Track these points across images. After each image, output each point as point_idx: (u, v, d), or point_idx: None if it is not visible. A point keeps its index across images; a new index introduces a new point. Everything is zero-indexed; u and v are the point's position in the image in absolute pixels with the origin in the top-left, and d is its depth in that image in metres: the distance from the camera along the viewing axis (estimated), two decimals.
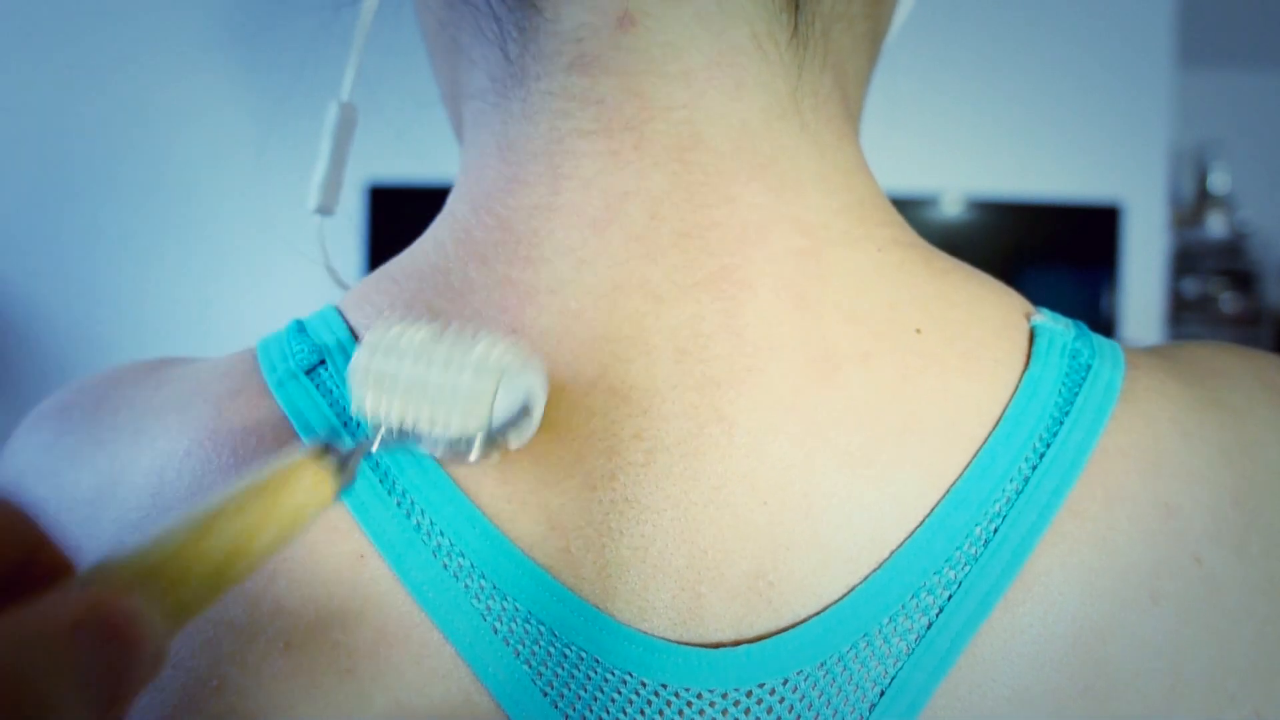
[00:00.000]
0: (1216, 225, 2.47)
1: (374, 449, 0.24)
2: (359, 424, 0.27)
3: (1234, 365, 0.29)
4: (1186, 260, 2.42)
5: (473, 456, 0.24)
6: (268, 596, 0.25)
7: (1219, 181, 2.48)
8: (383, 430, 0.24)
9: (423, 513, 0.25)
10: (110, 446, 0.28)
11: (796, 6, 0.27)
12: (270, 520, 0.19)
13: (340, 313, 0.30)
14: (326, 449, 0.22)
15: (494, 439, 0.24)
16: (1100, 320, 1.64)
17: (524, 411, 0.24)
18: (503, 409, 0.24)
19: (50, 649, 0.14)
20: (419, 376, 0.24)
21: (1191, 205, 2.51)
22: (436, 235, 0.30)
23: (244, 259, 1.51)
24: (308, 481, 0.20)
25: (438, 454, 0.24)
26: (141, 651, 0.15)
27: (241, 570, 0.19)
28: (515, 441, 0.25)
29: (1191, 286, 2.42)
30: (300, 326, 0.30)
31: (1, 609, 0.14)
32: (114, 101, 1.53)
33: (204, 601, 0.18)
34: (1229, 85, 2.54)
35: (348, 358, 0.28)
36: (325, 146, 0.37)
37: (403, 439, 0.24)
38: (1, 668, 0.13)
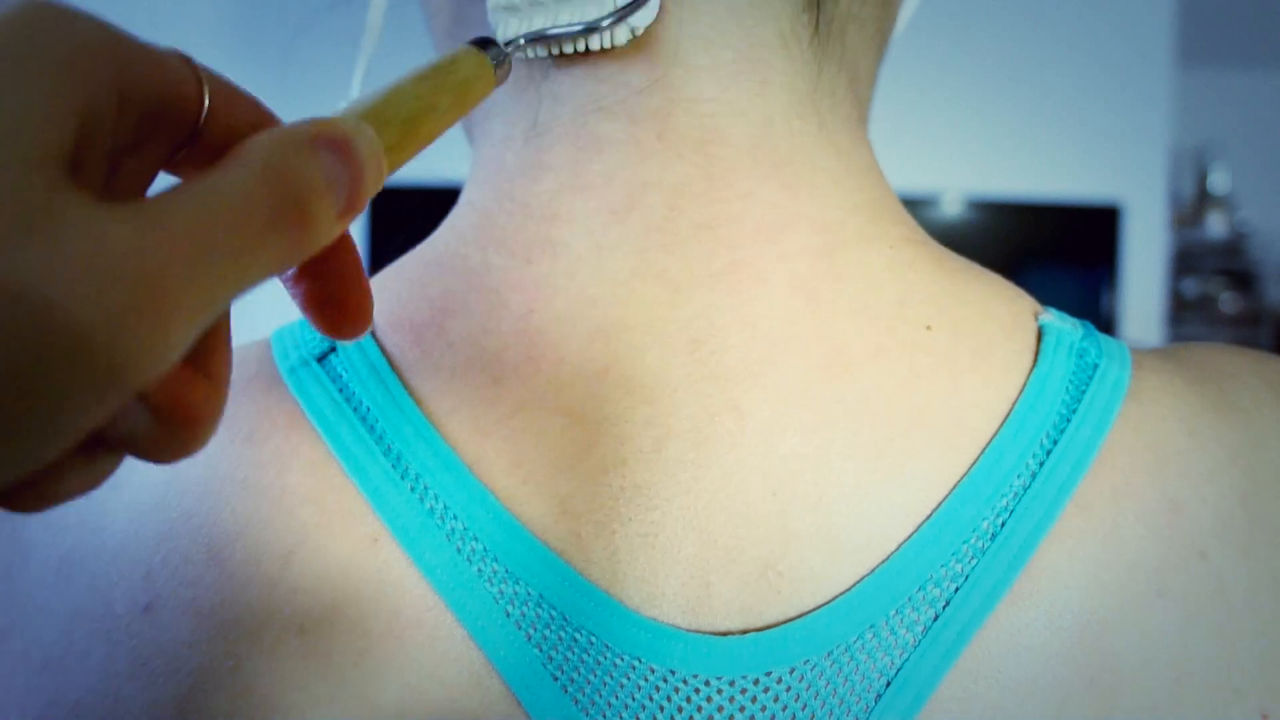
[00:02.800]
0: (1216, 225, 2.47)
1: (523, 45, 0.26)
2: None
3: (1241, 367, 0.29)
4: (1186, 260, 2.42)
5: (604, 43, 0.26)
6: (283, 580, 0.25)
7: (1219, 181, 2.49)
8: (525, 32, 0.26)
9: (436, 497, 0.26)
10: None
11: (818, 5, 0.28)
12: (448, 88, 0.23)
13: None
14: (486, 44, 0.25)
15: (623, 16, 0.26)
16: (1100, 320, 1.65)
17: None
18: None
19: (306, 149, 0.17)
20: None
21: (1191, 205, 2.51)
22: (454, 224, 0.30)
23: None
24: (473, 66, 0.24)
25: (576, 42, 0.26)
26: (366, 165, 0.18)
27: (430, 127, 0.22)
28: (643, 20, 0.26)
29: (1191, 286, 2.43)
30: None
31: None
32: None
33: (406, 146, 0.21)
34: (1229, 85, 2.55)
35: (358, 345, 0.28)
36: None
37: (543, 35, 0.26)
38: (274, 162, 0.16)
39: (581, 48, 0.27)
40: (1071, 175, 1.65)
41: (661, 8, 0.27)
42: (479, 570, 0.25)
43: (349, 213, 0.18)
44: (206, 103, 0.19)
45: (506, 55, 0.25)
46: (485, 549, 0.25)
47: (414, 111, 0.21)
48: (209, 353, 0.19)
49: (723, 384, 0.26)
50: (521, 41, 0.26)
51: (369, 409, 0.27)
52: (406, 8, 0.35)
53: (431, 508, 0.26)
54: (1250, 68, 2.54)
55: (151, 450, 0.17)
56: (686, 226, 0.27)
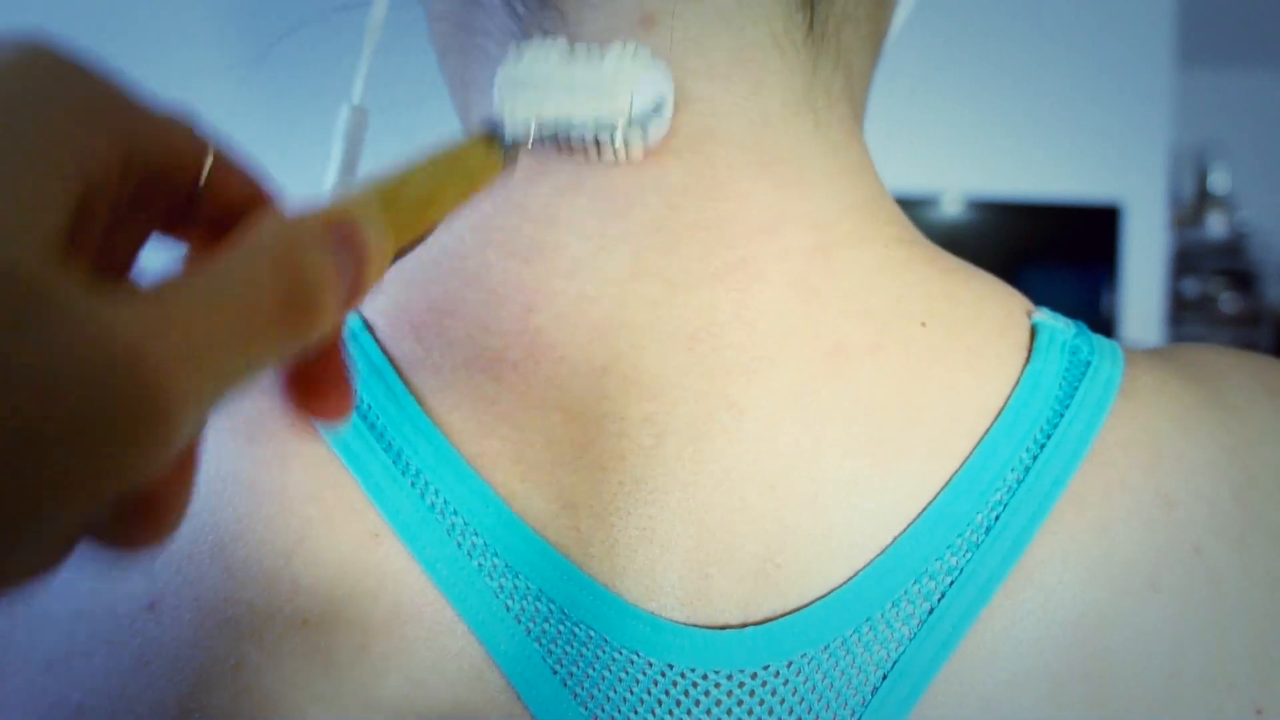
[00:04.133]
0: (1216, 225, 2.47)
1: (529, 142, 0.27)
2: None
3: (1234, 367, 0.29)
4: (1186, 260, 2.42)
5: (616, 143, 0.26)
6: (285, 576, 0.25)
7: (1219, 181, 2.48)
8: (535, 126, 0.27)
9: (436, 492, 0.26)
10: None
11: (811, 6, 0.28)
12: (457, 179, 0.23)
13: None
14: (495, 135, 0.25)
15: (634, 127, 0.26)
16: (1100, 320, 1.65)
17: (658, 106, 0.26)
18: (641, 99, 0.26)
19: (319, 239, 0.17)
20: (563, 77, 0.27)
21: (1191, 205, 2.51)
22: (452, 225, 0.30)
23: None
24: (480, 157, 0.24)
25: (586, 143, 0.27)
26: (372, 256, 0.18)
27: (435, 215, 0.22)
28: (654, 133, 0.27)
29: (1191, 286, 2.43)
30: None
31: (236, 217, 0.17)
32: None
33: (410, 233, 0.21)
34: (1229, 85, 2.55)
35: (359, 345, 0.28)
36: (337, 150, 0.37)
37: (554, 132, 0.27)
38: (287, 251, 0.16)
39: (594, 151, 0.27)
40: (1071, 175, 1.65)
41: (651, 20, 0.27)
42: (479, 565, 0.25)
43: (352, 301, 0.18)
44: (206, 170, 0.18)
45: (516, 150, 0.25)
46: (485, 544, 0.25)
47: (421, 200, 0.21)
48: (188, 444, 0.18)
49: (721, 381, 0.26)
50: (532, 137, 0.26)
51: (370, 406, 0.27)
52: (408, 9, 0.36)
53: (432, 503, 0.26)
54: (1250, 68, 2.54)
55: (119, 541, 0.16)
56: (685, 226, 0.27)
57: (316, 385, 0.21)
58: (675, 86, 0.27)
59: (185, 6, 1.52)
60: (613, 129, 0.26)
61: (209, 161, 0.18)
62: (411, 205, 0.21)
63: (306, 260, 0.16)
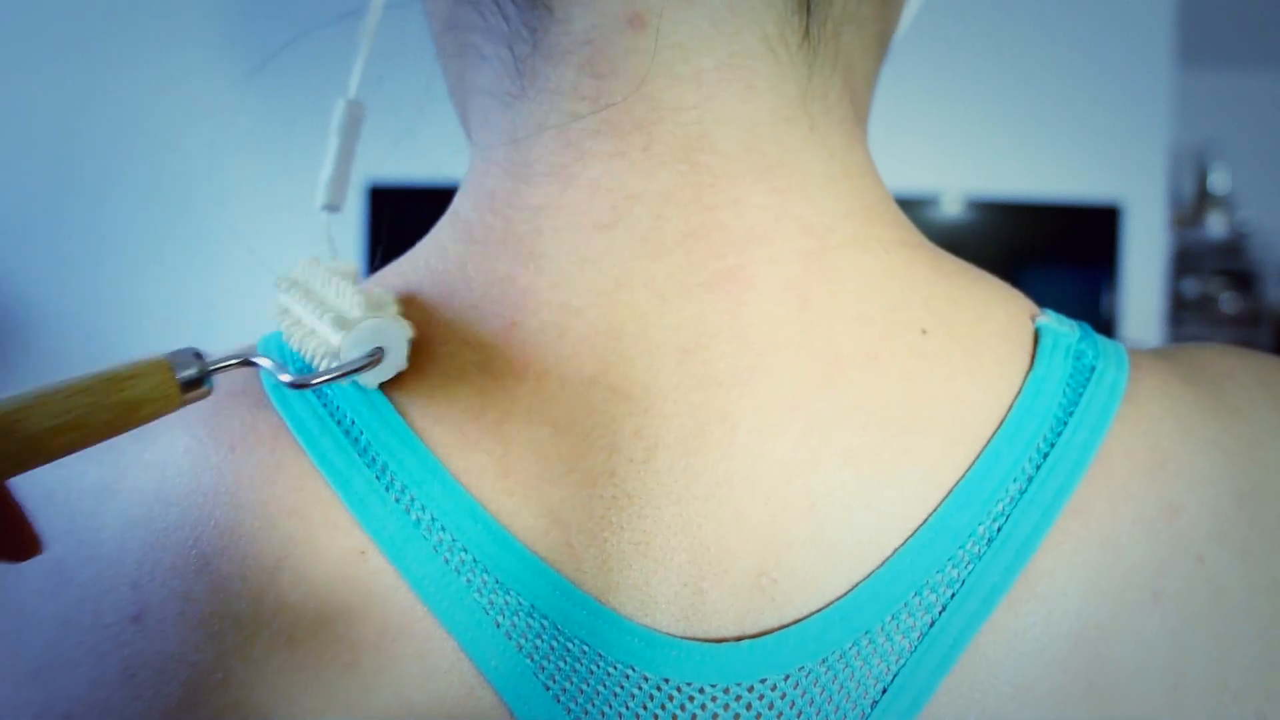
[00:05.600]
0: (1216, 225, 2.47)
1: (233, 366, 0.25)
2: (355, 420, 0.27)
3: (1238, 368, 0.29)
4: (1186, 260, 2.42)
5: (318, 381, 0.26)
6: (271, 592, 0.25)
7: (1219, 181, 2.48)
8: (263, 358, 0.26)
9: (423, 508, 0.25)
10: (115, 441, 0.28)
11: (808, 9, 0.27)
12: (107, 407, 0.21)
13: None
14: (194, 357, 0.23)
15: (348, 377, 0.26)
16: (1100, 320, 1.65)
17: (373, 357, 0.26)
18: (350, 353, 0.26)
19: None
20: (299, 314, 0.27)
21: (1191, 205, 2.51)
22: (439, 236, 0.30)
23: (245, 259, 1.51)
24: (153, 384, 0.22)
25: (276, 376, 0.26)
26: None
27: (66, 443, 0.20)
28: (372, 380, 0.27)
29: (1191, 286, 2.43)
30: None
31: None
32: (116, 100, 1.53)
33: (28, 459, 0.19)
34: (1229, 85, 2.55)
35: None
36: (332, 144, 0.37)
37: (252, 359, 0.26)
38: None
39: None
40: (1071, 175, 1.65)
41: (640, 20, 0.26)
42: (468, 581, 0.25)
43: None
44: None
45: (206, 375, 0.23)
46: (474, 560, 0.25)
47: (48, 428, 0.20)
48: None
49: (712, 392, 0.26)
50: (232, 361, 0.25)
51: (353, 421, 0.27)
52: (409, 8, 0.35)
53: (418, 519, 0.25)
54: (1250, 68, 2.54)
55: None
56: (673, 235, 0.26)
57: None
58: (661, 95, 0.27)
59: (184, 6, 1.52)
60: (332, 362, 0.26)
61: None
62: (34, 433, 0.19)
63: None
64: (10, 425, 0.19)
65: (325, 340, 0.26)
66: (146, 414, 0.22)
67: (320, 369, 0.26)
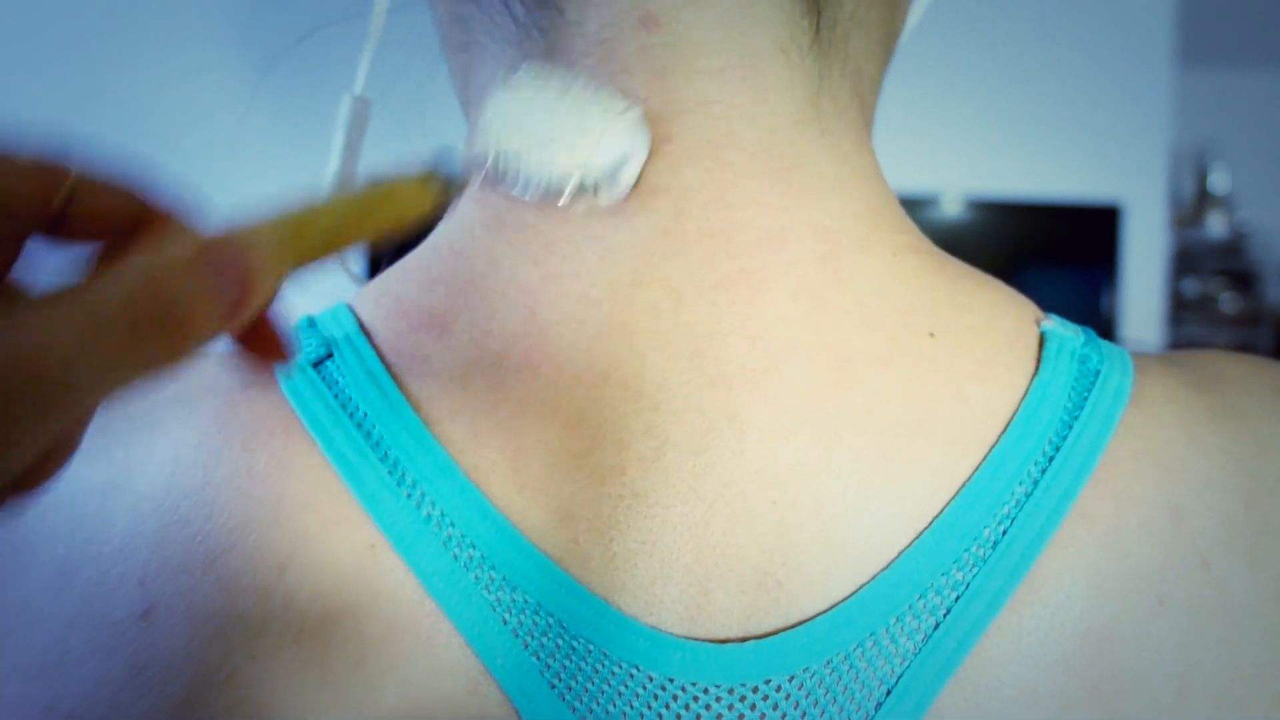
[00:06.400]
0: (1216, 225, 2.47)
1: (477, 182, 0.26)
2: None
3: (1244, 373, 0.29)
4: (1186, 260, 2.42)
5: (562, 200, 0.26)
6: (279, 589, 0.25)
7: (1219, 181, 2.48)
8: (488, 163, 0.26)
9: (433, 504, 0.25)
10: (123, 438, 0.28)
11: (818, 12, 0.27)
12: (379, 207, 0.23)
13: (351, 308, 0.30)
14: (433, 172, 0.24)
15: (586, 186, 0.26)
16: (1100, 320, 1.65)
17: (620, 165, 0.26)
18: (605, 155, 0.26)
19: (186, 264, 0.18)
20: (542, 114, 0.26)
21: (1191, 205, 2.51)
22: (458, 224, 0.29)
23: None
24: (414, 189, 0.24)
25: (531, 194, 0.26)
26: (255, 283, 0.19)
27: (348, 238, 0.22)
28: (606, 196, 0.26)
29: (1191, 286, 2.42)
30: (310, 321, 0.30)
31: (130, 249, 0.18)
32: (118, 99, 1.53)
33: (317, 253, 0.21)
34: (1229, 85, 2.55)
35: (355, 350, 0.28)
36: (338, 141, 0.37)
37: (503, 175, 0.26)
38: (151, 273, 0.17)
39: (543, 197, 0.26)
40: (1071, 175, 1.65)
41: (652, 20, 0.26)
42: (476, 578, 0.25)
43: (232, 319, 0.19)
44: (61, 198, 0.20)
45: (454, 188, 0.25)
46: (483, 556, 0.25)
47: (335, 225, 0.22)
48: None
49: (723, 392, 0.26)
50: (482, 176, 0.26)
51: (365, 415, 0.27)
52: (413, 5, 0.35)
53: (429, 514, 0.25)
54: (1250, 68, 2.54)
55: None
56: (693, 233, 0.27)
57: (257, 340, 0.23)
58: (685, 88, 0.27)
59: (187, 5, 1.51)
60: (563, 184, 0.26)
61: (64, 191, 0.19)
62: (322, 229, 0.21)
63: (170, 284, 0.18)
64: (304, 220, 0.21)
65: (570, 150, 0.25)
66: (409, 219, 0.24)
67: (569, 184, 0.26)
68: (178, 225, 0.20)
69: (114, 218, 0.20)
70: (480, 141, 0.26)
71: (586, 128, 0.25)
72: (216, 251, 0.18)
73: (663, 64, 0.27)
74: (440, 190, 0.24)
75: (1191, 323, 2.39)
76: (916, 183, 1.61)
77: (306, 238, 0.21)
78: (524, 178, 0.26)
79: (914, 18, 0.34)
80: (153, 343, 0.17)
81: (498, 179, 0.26)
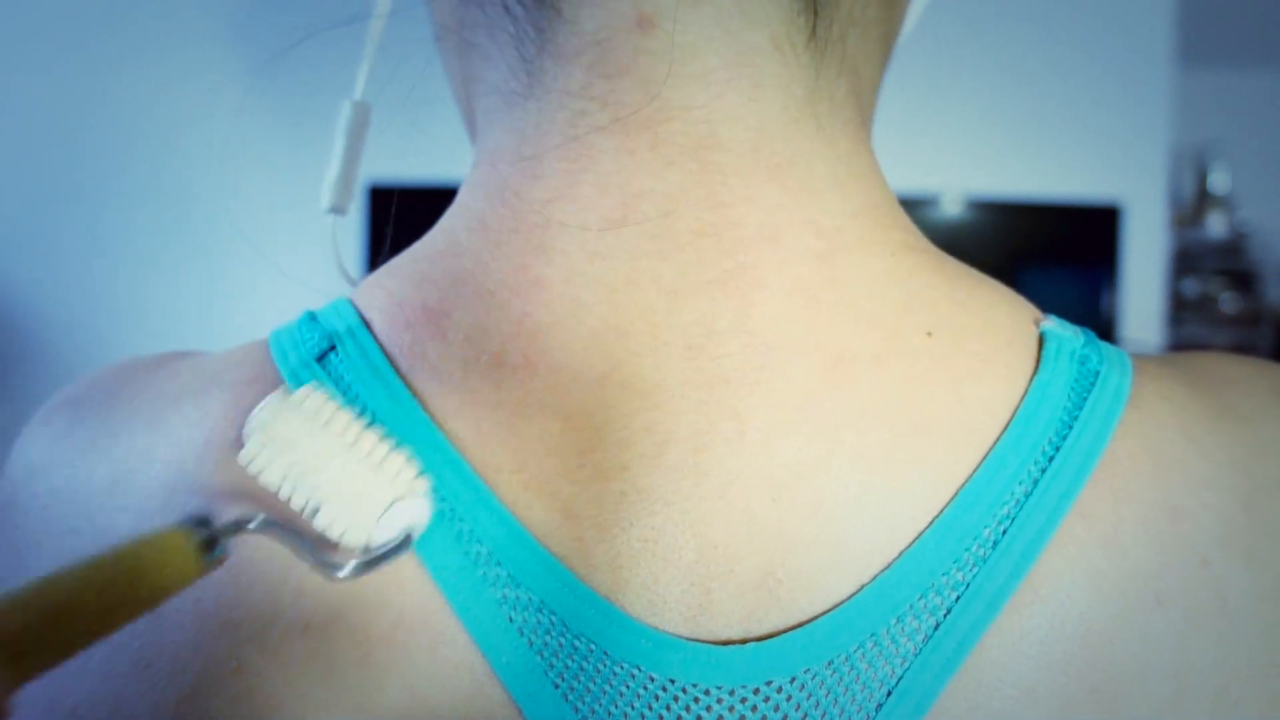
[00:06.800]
0: (1216, 225, 2.47)
1: (250, 528, 0.24)
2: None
3: (1244, 374, 0.29)
4: (1186, 260, 2.42)
5: (342, 575, 0.24)
6: (288, 581, 0.25)
7: (1219, 181, 2.48)
8: (260, 518, 0.24)
9: (443, 499, 0.25)
10: (126, 436, 0.28)
11: (815, 10, 0.27)
12: (128, 592, 0.20)
13: (352, 303, 0.30)
14: (200, 524, 0.22)
15: (370, 564, 0.24)
16: (1100, 320, 1.65)
17: (403, 543, 0.24)
18: (385, 532, 0.24)
19: None
20: (322, 443, 0.24)
21: (1191, 205, 2.51)
22: (450, 225, 0.30)
23: (248, 260, 1.51)
24: (170, 555, 0.21)
25: (305, 558, 0.24)
26: None
27: (84, 629, 0.19)
28: (380, 563, 0.24)
29: (1191, 286, 2.43)
30: (312, 316, 0.30)
31: None
32: (119, 100, 1.53)
33: (44, 653, 0.18)
34: (1229, 85, 2.55)
35: (358, 343, 0.28)
36: (338, 146, 0.37)
37: (275, 527, 0.24)
38: None
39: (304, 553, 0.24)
40: (1071, 175, 1.65)
41: (648, 21, 0.26)
42: (484, 574, 0.25)
43: None
44: None
45: (222, 539, 0.22)
46: (489, 553, 0.25)
47: (78, 625, 0.19)
48: None
49: (721, 390, 0.26)
50: (251, 527, 0.23)
51: (373, 411, 0.27)
52: (411, 6, 0.35)
53: (439, 509, 0.25)
54: (1250, 68, 2.54)
55: None
56: (684, 233, 0.27)
57: None
58: (670, 94, 0.27)
59: (186, 6, 1.52)
60: (339, 563, 0.24)
61: None
62: (67, 621, 0.18)
63: None
64: (23, 618, 0.18)
65: (358, 505, 0.24)
66: (170, 587, 0.21)
67: (348, 549, 0.24)
68: None
69: None
70: (255, 458, 0.24)
71: (370, 491, 0.24)
72: None
73: (652, 69, 0.27)
74: (202, 547, 0.22)
75: (1191, 323, 2.39)
76: (916, 183, 1.61)
77: (48, 635, 0.18)
78: (300, 538, 0.24)
79: (912, 19, 0.34)
80: None
81: (268, 529, 0.24)
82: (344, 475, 0.24)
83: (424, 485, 0.25)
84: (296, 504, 0.24)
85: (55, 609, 0.18)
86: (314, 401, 0.25)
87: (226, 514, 0.24)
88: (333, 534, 0.24)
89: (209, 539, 0.22)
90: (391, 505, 0.24)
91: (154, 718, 0.24)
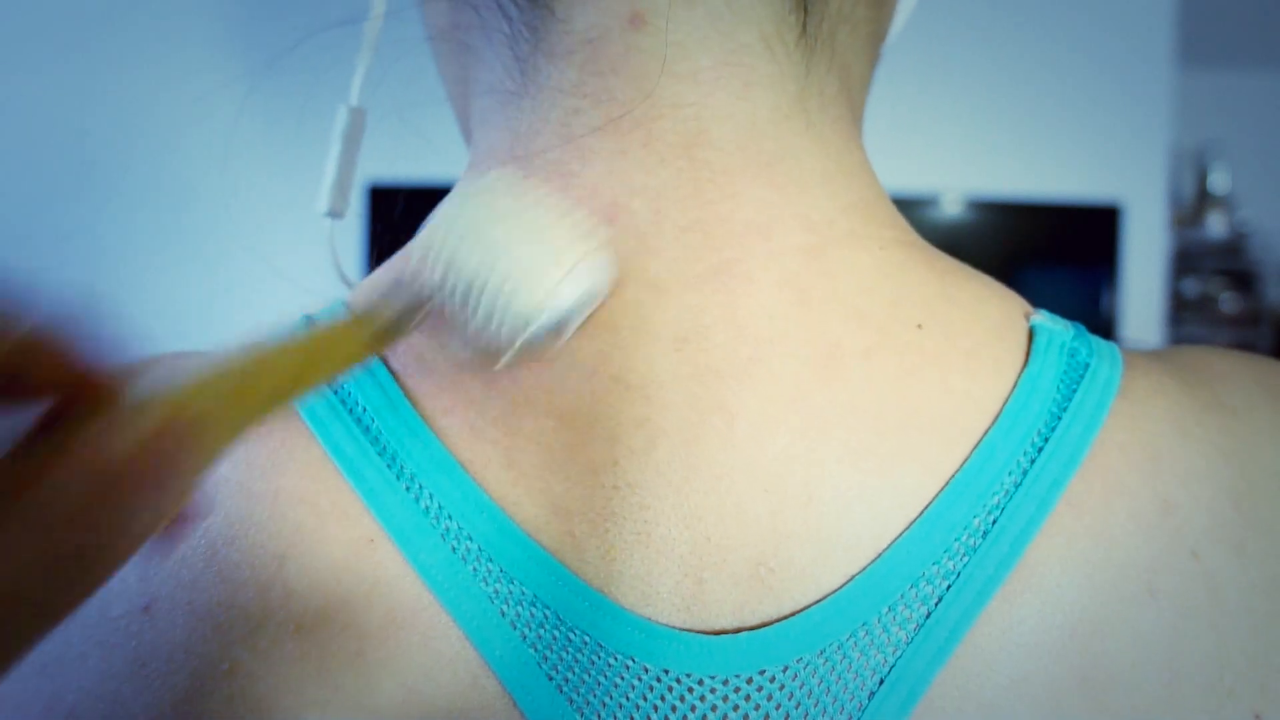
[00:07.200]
0: (1216, 225, 2.47)
1: (420, 321, 0.25)
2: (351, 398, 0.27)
3: (1234, 368, 0.29)
4: (1186, 260, 2.42)
5: (502, 361, 0.25)
6: (278, 582, 0.25)
7: (1219, 181, 2.48)
8: (433, 296, 0.24)
9: (431, 497, 0.26)
10: None
11: (805, 8, 0.28)
12: (314, 366, 0.21)
13: (347, 305, 0.30)
14: (372, 311, 0.23)
15: (536, 339, 0.25)
16: (1100, 320, 1.65)
17: (578, 309, 0.25)
18: (564, 299, 0.24)
19: (109, 487, 0.16)
20: (500, 229, 0.24)
21: (1191, 205, 2.51)
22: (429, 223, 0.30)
23: (247, 261, 1.51)
24: (354, 343, 0.23)
25: (473, 348, 0.25)
26: (187, 481, 0.17)
27: (286, 397, 0.21)
28: (546, 346, 0.25)
29: (1191, 286, 2.42)
30: (309, 319, 0.30)
31: (56, 435, 0.16)
32: (118, 103, 1.53)
33: (247, 426, 0.19)
34: (1229, 85, 2.55)
35: None
36: (334, 150, 0.37)
37: (450, 312, 0.24)
38: (64, 503, 0.15)
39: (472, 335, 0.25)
40: (1071, 175, 1.65)
41: (640, 19, 0.27)
42: (474, 570, 0.25)
43: (157, 525, 0.17)
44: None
45: (396, 333, 0.24)
46: (480, 549, 0.25)
47: (273, 392, 0.20)
48: None
49: (711, 383, 0.26)
50: (418, 316, 0.24)
51: (364, 410, 0.27)
52: (406, 10, 0.35)
53: (426, 508, 0.26)
54: (1250, 68, 2.54)
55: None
56: (671, 229, 0.27)
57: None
58: (661, 92, 0.27)
59: (186, 7, 1.52)
60: (519, 328, 0.24)
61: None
62: (267, 386, 0.20)
63: (88, 513, 0.16)
64: (241, 382, 0.19)
65: (530, 281, 0.24)
66: (349, 365, 0.23)
67: (516, 330, 0.24)
68: (119, 411, 0.17)
69: (49, 385, 0.17)
70: (428, 258, 0.24)
71: (550, 260, 0.24)
72: (158, 449, 0.17)
73: (643, 67, 0.27)
74: (380, 333, 0.23)
75: (1191, 323, 2.39)
76: (916, 183, 1.61)
77: (250, 399, 0.19)
78: (472, 323, 0.24)
79: (902, 16, 0.34)
80: (92, 547, 0.16)
81: (443, 315, 0.24)
82: (520, 248, 0.24)
83: (601, 246, 0.25)
84: (461, 292, 0.24)
85: (240, 392, 0.19)
86: (494, 185, 0.25)
87: (396, 303, 0.24)
88: (496, 320, 0.24)
89: (385, 326, 0.23)
90: (572, 269, 0.24)
91: (150, 718, 0.25)
